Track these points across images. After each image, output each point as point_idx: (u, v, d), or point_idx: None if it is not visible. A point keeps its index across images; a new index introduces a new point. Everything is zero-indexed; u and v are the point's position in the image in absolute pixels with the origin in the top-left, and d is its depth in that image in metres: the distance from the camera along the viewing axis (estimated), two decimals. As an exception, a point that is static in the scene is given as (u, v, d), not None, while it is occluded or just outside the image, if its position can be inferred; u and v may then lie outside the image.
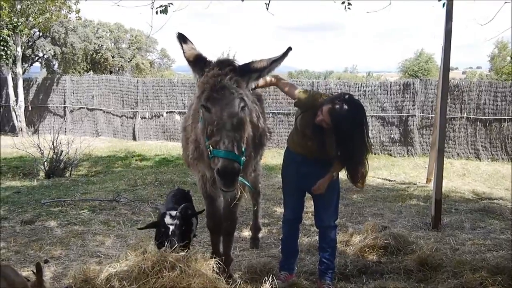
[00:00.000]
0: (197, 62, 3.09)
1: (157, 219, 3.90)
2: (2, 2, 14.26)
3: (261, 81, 3.58)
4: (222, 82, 2.86)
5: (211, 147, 2.86)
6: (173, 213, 3.67)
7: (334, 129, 3.41)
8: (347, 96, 3.50)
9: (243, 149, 2.95)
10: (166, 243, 3.47)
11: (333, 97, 3.58)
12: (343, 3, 5.89)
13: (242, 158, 2.89)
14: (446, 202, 6.97)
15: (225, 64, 2.97)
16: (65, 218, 6.02)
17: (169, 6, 6.09)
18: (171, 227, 3.57)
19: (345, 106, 3.40)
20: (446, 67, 6.12)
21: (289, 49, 3.15)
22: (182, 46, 3.17)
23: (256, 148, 3.75)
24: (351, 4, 5.95)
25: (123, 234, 5.41)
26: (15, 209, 6.44)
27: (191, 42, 3.21)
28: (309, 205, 4.98)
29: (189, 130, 3.64)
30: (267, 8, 5.26)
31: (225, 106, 2.83)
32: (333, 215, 3.95)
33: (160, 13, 6.13)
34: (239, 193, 3.27)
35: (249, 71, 3.05)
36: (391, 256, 4.51)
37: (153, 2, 5.89)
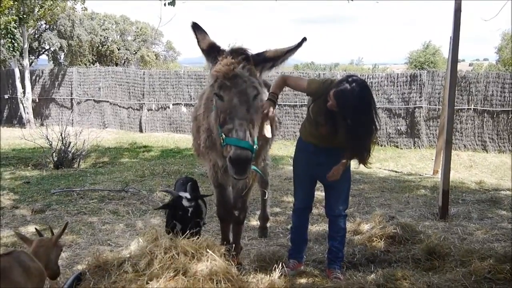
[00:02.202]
0: (211, 50, 3.11)
1: (170, 201, 3.92)
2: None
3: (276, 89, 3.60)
4: (235, 70, 2.88)
5: (223, 135, 2.89)
6: (188, 196, 3.73)
7: (341, 111, 3.39)
8: (351, 78, 3.47)
9: (256, 137, 2.97)
10: (183, 226, 3.57)
11: (339, 79, 3.58)
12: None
13: (255, 147, 2.92)
14: (453, 193, 6.97)
15: (238, 53, 2.99)
16: (74, 207, 6.09)
17: None
18: (190, 209, 3.63)
19: (350, 87, 3.36)
20: (454, 58, 6.10)
21: (304, 39, 3.16)
22: (196, 35, 3.18)
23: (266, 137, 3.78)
24: None
25: (132, 223, 5.48)
26: (25, 198, 6.51)
27: (204, 31, 3.22)
28: (316, 194, 5.00)
29: (200, 119, 3.66)
30: (276, -3, 5.20)
31: (238, 94, 2.85)
32: (343, 204, 3.96)
33: (168, 5, 6.10)
34: (250, 182, 3.29)
35: (263, 60, 3.07)
36: (399, 245, 4.53)
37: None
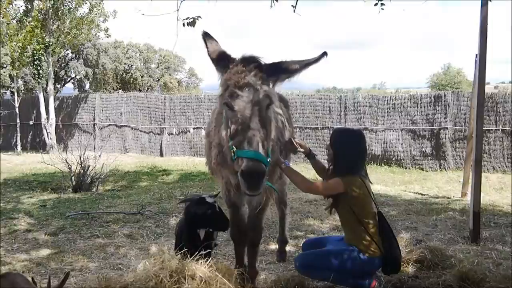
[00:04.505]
0: (221, 59, 2.93)
1: (189, 207, 3.66)
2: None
3: None
4: (246, 78, 2.70)
5: (234, 147, 2.68)
6: (207, 195, 3.57)
7: None
8: None
9: (269, 149, 2.76)
10: (212, 227, 3.49)
11: None
12: (375, 5, 5.61)
13: (268, 159, 2.70)
14: (484, 215, 6.56)
15: (250, 61, 2.80)
16: (88, 230, 5.94)
17: (198, 20, 5.92)
18: (216, 204, 3.45)
19: None
20: (481, 74, 5.80)
21: (324, 54, 2.96)
22: (206, 43, 3.03)
23: (282, 153, 3.56)
24: (384, 4, 5.65)
25: (146, 246, 5.27)
26: (39, 221, 6.41)
27: (215, 41, 3.07)
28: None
29: (212, 135, 3.48)
30: (294, 10, 5.04)
31: (249, 103, 2.65)
32: None
33: (188, 25, 5.96)
34: (264, 199, 3.06)
35: (279, 71, 2.87)
36: (428, 270, 4.21)
37: (178, 10, 5.76)
